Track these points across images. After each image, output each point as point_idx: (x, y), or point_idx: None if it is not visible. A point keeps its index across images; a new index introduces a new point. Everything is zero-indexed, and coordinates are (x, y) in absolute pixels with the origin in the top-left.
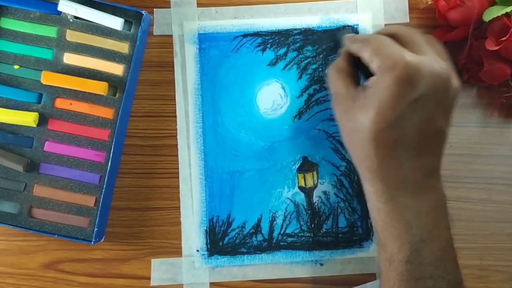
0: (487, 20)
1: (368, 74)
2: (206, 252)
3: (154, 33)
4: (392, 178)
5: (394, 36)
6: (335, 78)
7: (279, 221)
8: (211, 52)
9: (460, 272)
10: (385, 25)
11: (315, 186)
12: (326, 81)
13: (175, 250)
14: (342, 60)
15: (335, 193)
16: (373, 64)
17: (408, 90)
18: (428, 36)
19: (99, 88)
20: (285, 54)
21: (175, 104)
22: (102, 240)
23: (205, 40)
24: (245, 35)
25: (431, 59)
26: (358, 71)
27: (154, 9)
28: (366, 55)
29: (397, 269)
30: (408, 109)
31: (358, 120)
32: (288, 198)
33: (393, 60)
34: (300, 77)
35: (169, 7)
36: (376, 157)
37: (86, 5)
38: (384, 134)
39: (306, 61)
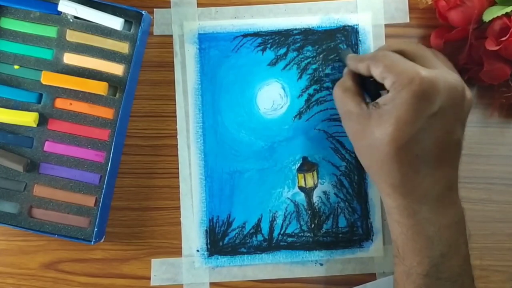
0: (487, 20)
1: (374, 92)
2: (206, 252)
3: (154, 33)
4: (414, 192)
5: (401, 52)
6: (344, 97)
7: (279, 221)
8: (211, 52)
9: None
10: (385, 25)
11: (315, 186)
12: (334, 101)
13: (175, 250)
14: (348, 80)
15: (335, 193)
16: (387, 81)
17: (426, 104)
18: (433, 50)
19: (99, 88)
20: (285, 54)
21: (175, 104)
22: (102, 240)
23: (205, 40)
24: (245, 35)
25: (444, 72)
26: (363, 90)
27: (154, 9)
28: (377, 72)
29: (415, 282)
30: (427, 123)
31: (376, 137)
32: (288, 198)
33: (408, 76)
34: (300, 77)
35: (169, 7)
36: (399, 172)
37: (86, 5)
38: (406, 149)
39: (306, 61)
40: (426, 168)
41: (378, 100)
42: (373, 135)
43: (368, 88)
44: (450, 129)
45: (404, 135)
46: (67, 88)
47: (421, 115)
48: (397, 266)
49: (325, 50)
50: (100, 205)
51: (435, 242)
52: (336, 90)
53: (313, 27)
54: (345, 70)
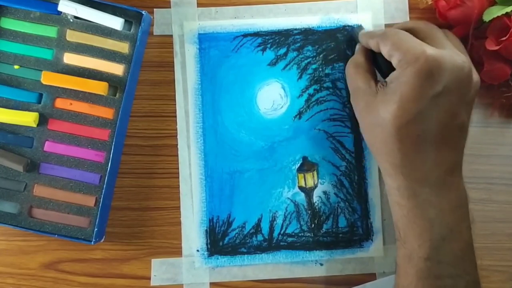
0: (487, 20)
1: (386, 71)
2: (206, 252)
3: (154, 33)
4: (415, 173)
5: (412, 31)
6: (354, 73)
7: (279, 221)
8: (211, 52)
9: (478, 273)
10: (385, 25)
11: (315, 186)
12: (346, 77)
13: (175, 250)
14: (360, 56)
15: (335, 193)
16: (394, 58)
17: (430, 83)
18: (446, 31)
19: (99, 88)
20: (285, 54)
21: (175, 104)
22: (102, 240)
23: (205, 40)
24: (245, 35)
25: (452, 53)
26: (375, 68)
27: (154, 9)
28: (385, 50)
29: (417, 266)
30: (431, 103)
31: (380, 115)
32: (288, 198)
33: (414, 54)
34: (300, 77)
35: (169, 7)
36: (400, 152)
37: (86, 5)
38: (407, 128)
39: (306, 61)
40: (427, 149)
41: (387, 79)
42: (377, 112)
43: (380, 65)
44: (455, 111)
45: (407, 114)
46: (67, 88)
47: (425, 93)
48: (399, 250)
49: (325, 50)
50: (100, 205)
51: (436, 225)
52: (348, 66)
53: (313, 27)
54: (357, 47)
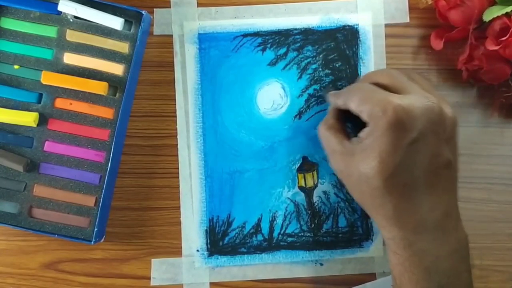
0: (487, 20)
1: (359, 125)
2: (206, 252)
3: (154, 33)
4: (409, 222)
5: (376, 83)
6: (327, 136)
7: (279, 221)
8: (211, 52)
9: None
10: (385, 25)
11: (315, 186)
12: (320, 140)
13: (175, 250)
14: (331, 118)
15: (335, 193)
16: (363, 114)
17: (403, 133)
18: (408, 72)
19: (99, 88)
20: (285, 54)
21: (175, 104)
22: (102, 240)
23: (205, 40)
24: (245, 35)
25: (418, 96)
26: (349, 124)
27: (154, 9)
28: (353, 107)
29: None
30: (409, 150)
31: (362, 172)
32: (288, 198)
33: (381, 107)
34: (300, 77)
35: (169, 7)
36: (390, 203)
37: (86, 5)
38: (392, 180)
39: (306, 61)
40: (418, 197)
41: (360, 134)
42: (358, 170)
43: (353, 122)
44: (436, 152)
45: (388, 167)
46: (67, 88)
47: (401, 144)
48: None
49: (325, 50)
50: (100, 205)
51: (433, 273)
52: (320, 128)
53: (313, 27)
54: (328, 108)
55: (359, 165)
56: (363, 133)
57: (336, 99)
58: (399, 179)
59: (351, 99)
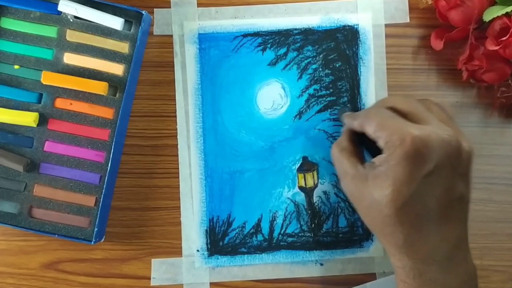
0: (487, 20)
1: (373, 149)
2: (206, 252)
3: (154, 33)
4: (419, 252)
5: (394, 109)
6: (341, 158)
7: (279, 221)
8: (211, 52)
9: None
10: (385, 25)
11: (315, 186)
12: (332, 161)
13: (175, 250)
14: (345, 140)
15: (335, 193)
16: (380, 140)
17: (420, 164)
18: (426, 101)
19: (99, 88)
20: (285, 54)
21: (175, 104)
22: (102, 240)
23: (205, 40)
24: (245, 35)
25: (437, 128)
26: (362, 146)
27: (154, 9)
28: (370, 131)
29: None
30: (424, 182)
31: (375, 198)
32: (288, 198)
33: (400, 136)
34: (300, 77)
35: (169, 7)
36: (401, 233)
37: (86, 5)
38: (405, 209)
39: (306, 61)
40: (429, 227)
41: (374, 160)
42: (371, 196)
43: (367, 145)
44: (450, 185)
45: (402, 196)
46: (67, 88)
47: (417, 175)
48: None
49: (325, 50)
50: (100, 205)
51: None
52: (333, 150)
53: (313, 27)
54: (343, 129)
55: (372, 191)
56: (378, 159)
57: (352, 121)
58: (412, 209)
59: (369, 123)
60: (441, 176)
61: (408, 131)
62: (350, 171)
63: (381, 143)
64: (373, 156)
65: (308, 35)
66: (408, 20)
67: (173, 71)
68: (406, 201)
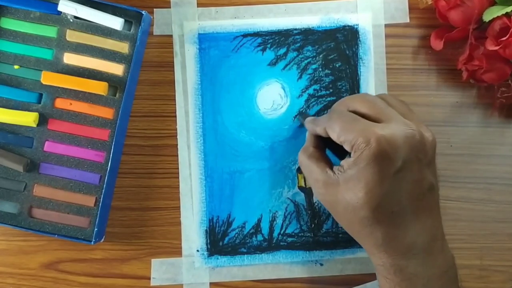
0: (487, 20)
1: (338, 149)
2: (206, 252)
3: (154, 33)
4: (399, 248)
5: (355, 111)
6: (309, 165)
7: (279, 221)
8: (211, 52)
9: None
10: (385, 25)
11: None
12: (301, 168)
13: (175, 250)
14: (311, 145)
15: None
16: (345, 144)
17: (388, 163)
18: (385, 96)
19: (99, 88)
20: (285, 54)
21: (175, 104)
22: (102, 240)
23: (205, 40)
24: (245, 35)
25: (399, 124)
26: (329, 149)
27: (154, 9)
28: (334, 136)
29: None
30: (395, 179)
31: (348, 203)
32: (288, 198)
33: (365, 138)
34: (300, 77)
35: (169, 7)
36: (380, 232)
37: (86, 5)
38: (380, 209)
39: (306, 61)
40: (406, 222)
41: (342, 163)
42: (345, 200)
43: (335, 148)
44: (419, 177)
45: (376, 197)
46: (67, 88)
47: (387, 174)
48: None
49: (325, 50)
50: (100, 205)
51: None
52: (301, 157)
53: (313, 27)
54: (307, 135)
55: (345, 195)
56: (346, 163)
57: (315, 127)
58: (387, 208)
59: (332, 128)
60: (410, 170)
61: (371, 131)
62: (321, 177)
63: (347, 146)
64: (339, 156)
65: (308, 35)
66: (408, 20)
67: (173, 71)
68: (380, 201)
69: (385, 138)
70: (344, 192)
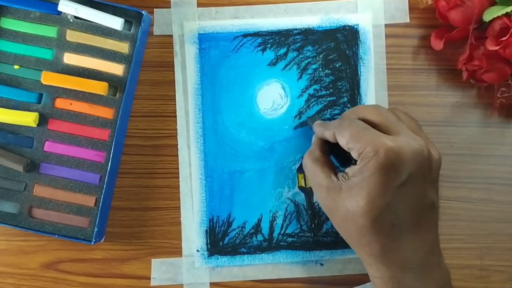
0: (487, 20)
1: (341, 156)
2: (206, 252)
3: (154, 33)
4: (395, 261)
5: (365, 120)
6: (314, 169)
7: (279, 221)
8: (211, 52)
9: None
10: (385, 25)
11: None
12: (305, 171)
13: (175, 250)
14: (317, 150)
15: None
16: (353, 151)
17: (393, 175)
18: (396, 111)
19: (99, 88)
20: (285, 54)
21: (175, 104)
22: (102, 240)
23: (205, 40)
24: (245, 35)
25: (408, 138)
26: (332, 156)
27: (154, 9)
28: (343, 142)
29: None
30: (398, 192)
31: (349, 210)
32: (288, 198)
33: (374, 148)
34: (300, 77)
35: (169, 7)
36: (377, 243)
37: (86, 5)
38: (380, 220)
39: (306, 61)
40: (404, 236)
41: (347, 170)
42: (346, 207)
43: (338, 154)
44: (422, 193)
45: (376, 207)
46: (67, 88)
47: (391, 186)
48: None
49: (325, 50)
50: (100, 205)
51: None
52: (306, 160)
53: (313, 27)
54: (313, 138)
55: (346, 203)
56: (351, 170)
57: (324, 130)
58: (387, 219)
59: (342, 133)
60: (414, 185)
61: (381, 142)
62: (324, 183)
63: (354, 154)
64: (341, 163)
65: (308, 35)
66: (408, 20)
67: (173, 71)
68: (381, 211)
69: (394, 150)
70: (346, 199)
